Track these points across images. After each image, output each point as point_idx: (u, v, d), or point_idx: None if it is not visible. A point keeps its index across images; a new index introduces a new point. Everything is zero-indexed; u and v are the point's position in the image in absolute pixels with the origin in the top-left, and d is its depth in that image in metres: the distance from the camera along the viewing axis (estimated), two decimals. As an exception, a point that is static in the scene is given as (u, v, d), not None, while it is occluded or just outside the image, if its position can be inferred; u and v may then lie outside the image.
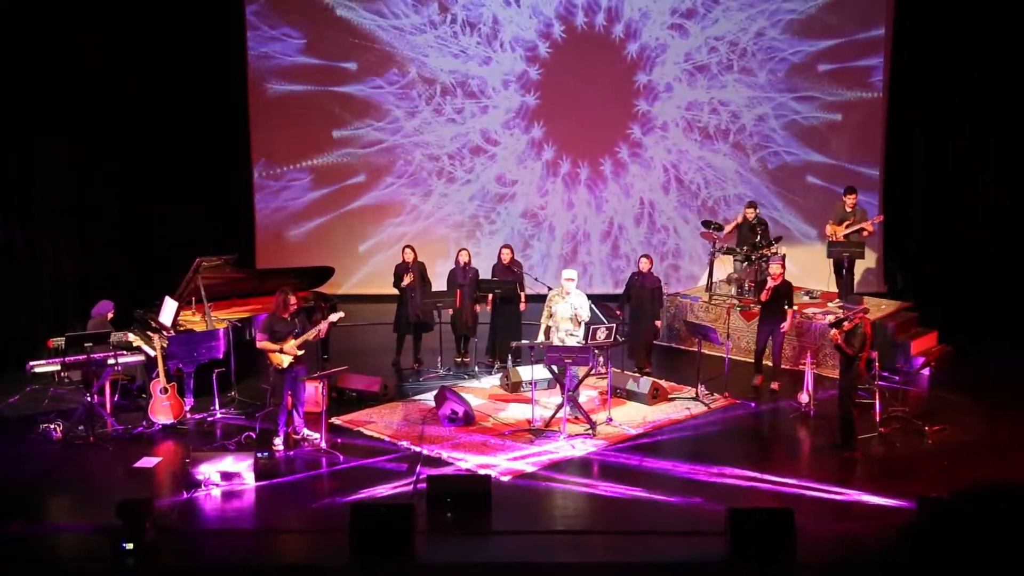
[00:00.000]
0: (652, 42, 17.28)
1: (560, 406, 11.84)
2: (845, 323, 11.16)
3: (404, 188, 17.74)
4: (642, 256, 14.16)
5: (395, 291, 14.16)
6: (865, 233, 14.84)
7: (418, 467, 10.82)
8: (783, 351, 13.38)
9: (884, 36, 16.83)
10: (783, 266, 13.18)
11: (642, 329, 13.88)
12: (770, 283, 13.00)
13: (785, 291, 13.08)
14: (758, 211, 15.22)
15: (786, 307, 13.01)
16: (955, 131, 16.25)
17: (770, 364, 13.34)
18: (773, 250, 14.58)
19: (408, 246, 14.28)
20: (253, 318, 13.05)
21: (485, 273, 14.36)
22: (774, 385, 13.19)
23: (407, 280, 13.93)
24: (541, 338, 12.50)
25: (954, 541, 2.12)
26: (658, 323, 14.08)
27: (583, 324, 12.34)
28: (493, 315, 14.17)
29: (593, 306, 12.85)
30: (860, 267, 15.49)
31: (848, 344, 11.07)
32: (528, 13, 17.28)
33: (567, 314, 12.38)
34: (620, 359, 13.69)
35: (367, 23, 17.25)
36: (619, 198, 17.75)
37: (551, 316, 12.48)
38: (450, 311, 14.12)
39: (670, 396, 13.03)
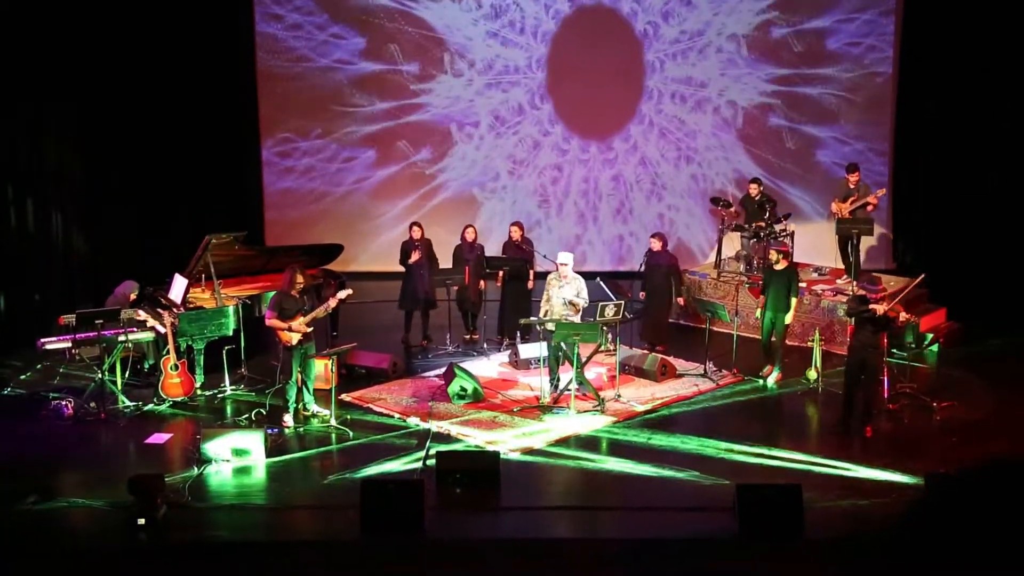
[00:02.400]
0: (661, 18, 17.21)
1: (568, 382, 11.88)
2: (880, 305, 10.85)
3: (413, 165, 17.73)
4: (652, 236, 14.13)
5: (403, 268, 14.19)
6: (870, 207, 14.81)
7: (427, 443, 10.87)
8: (785, 336, 13.14)
9: (895, 12, 16.75)
10: (782, 251, 12.70)
11: (656, 308, 13.87)
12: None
13: (787, 279, 12.61)
14: (761, 186, 15.20)
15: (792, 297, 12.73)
16: (964, 108, 16.17)
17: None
18: (781, 227, 14.57)
19: (415, 223, 14.30)
20: (262, 295, 13.07)
21: (495, 250, 14.36)
22: (773, 376, 12.97)
23: (414, 257, 13.95)
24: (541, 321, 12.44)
25: (962, 516, 2.13)
26: (681, 300, 13.98)
27: (582, 310, 12.26)
28: (502, 293, 14.19)
29: (603, 282, 12.83)
30: (866, 243, 15.45)
31: (870, 320, 10.92)
32: (537, -11, 17.25)
33: (562, 301, 12.28)
34: (629, 336, 13.70)
35: (375, -1, 17.22)
36: (628, 175, 17.72)
37: (549, 300, 12.41)
38: (456, 288, 14.13)
39: (678, 373, 13.05)
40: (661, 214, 17.69)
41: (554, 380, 12.25)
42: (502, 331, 14.18)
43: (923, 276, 12.20)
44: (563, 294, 12.27)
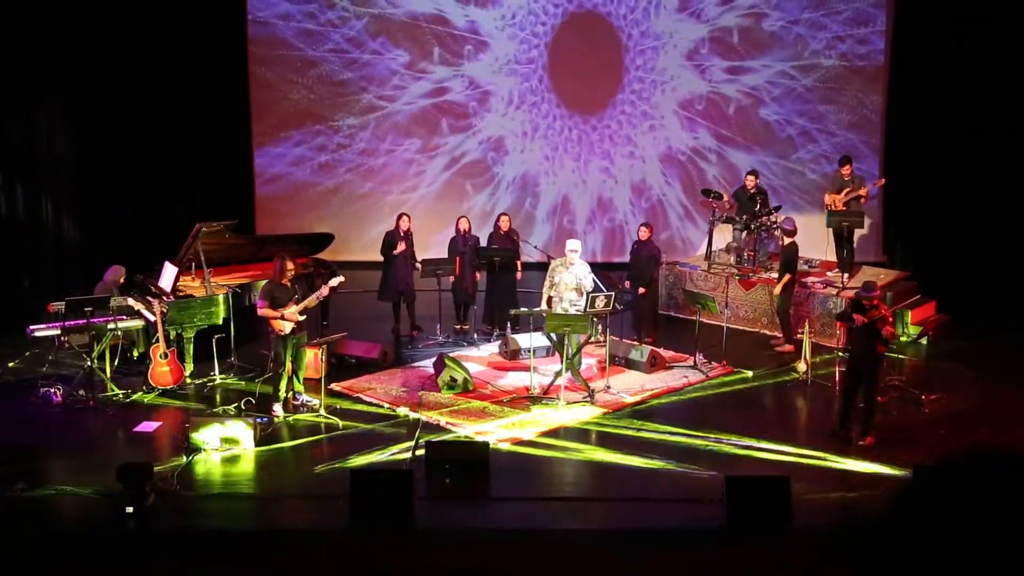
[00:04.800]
0: (653, 8, 17.19)
1: (558, 373, 11.88)
2: (873, 312, 10.67)
3: (404, 154, 17.69)
4: (641, 225, 14.16)
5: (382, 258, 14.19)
6: (863, 200, 14.83)
7: (417, 433, 10.87)
8: (787, 315, 13.46)
9: (887, 2, 16.74)
10: (787, 231, 13.42)
11: (643, 298, 13.89)
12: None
13: (786, 257, 13.33)
14: (758, 180, 15.20)
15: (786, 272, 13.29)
16: (956, 100, 16.16)
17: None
18: (773, 219, 14.59)
19: (404, 214, 14.27)
20: (252, 284, 13.05)
21: (483, 241, 14.37)
22: (784, 347, 13.30)
23: (400, 247, 13.93)
24: (543, 307, 12.46)
25: (946, 506, 2.14)
26: (641, 290, 13.85)
27: (586, 294, 12.29)
28: (490, 283, 14.19)
29: (592, 274, 12.83)
30: (858, 236, 15.46)
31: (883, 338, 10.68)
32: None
33: (571, 284, 12.32)
34: (619, 327, 13.71)
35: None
36: (618, 165, 17.71)
37: (553, 286, 12.43)
38: (450, 278, 14.13)
39: (668, 364, 13.07)
40: (652, 205, 17.69)
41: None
42: (490, 321, 14.17)
43: (909, 300, 12.25)
44: (576, 272, 12.26)
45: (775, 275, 13.95)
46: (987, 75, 15.90)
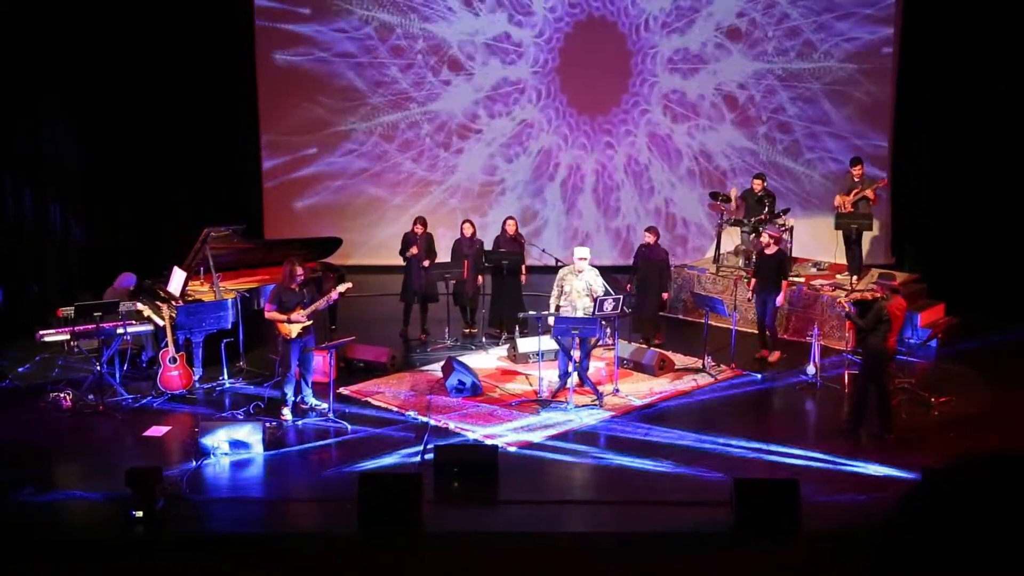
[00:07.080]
0: (663, 10, 17.18)
1: (567, 376, 11.86)
2: (865, 294, 10.86)
3: (411, 159, 17.70)
4: (646, 229, 14.13)
5: (402, 261, 14.17)
6: (872, 201, 14.79)
7: (425, 437, 10.87)
8: (775, 322, 13.38)
9: (895, 6, 16.72)
10: (773, 237, 13.20)
11: (648, 302, 13.88)
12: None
13: (776, 263, 13.12)
14: (765, 183, 15.17)
15: (782, 280, 13.14)
16: (964, 102, 16.14)
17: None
18: (780, 221, 14.57)
19: (420, 218, 14.23)
20: (261, 288, 13.06)
21: (489, 244, 14.35)
22: (773, 356, 13.17)
23: (413, 251, 13.92)
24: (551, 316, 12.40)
25: (957, 509, 2.14)
26: (665, 295, 14.03)
27: (596, 298, 12.22)
28: (496, 286, 14.17)
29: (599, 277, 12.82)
30: (867, 238, 15.44)
31: (860, 316, 10.82)
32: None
33: (583, 291, 12.22)
34: (627, 331, 13.70)
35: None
36: (626, 169, 17.70)
37: (563, 295, 12.31)
38: (455, 282, 14.10)
39: (676, 367, 13.05)
40: (659, 208, 17.68)
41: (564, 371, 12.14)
42: (497, 324, 14.14)
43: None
44: (588, 279, 12.16)
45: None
46: (996, 75, 15.87)
